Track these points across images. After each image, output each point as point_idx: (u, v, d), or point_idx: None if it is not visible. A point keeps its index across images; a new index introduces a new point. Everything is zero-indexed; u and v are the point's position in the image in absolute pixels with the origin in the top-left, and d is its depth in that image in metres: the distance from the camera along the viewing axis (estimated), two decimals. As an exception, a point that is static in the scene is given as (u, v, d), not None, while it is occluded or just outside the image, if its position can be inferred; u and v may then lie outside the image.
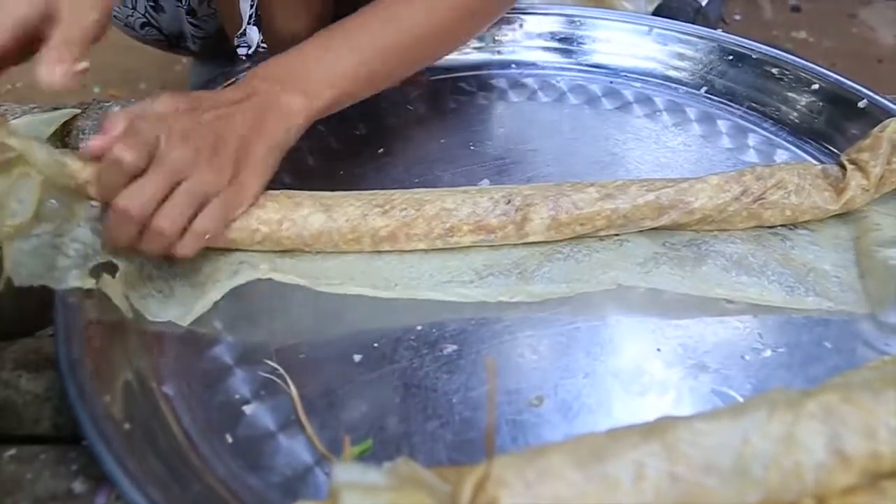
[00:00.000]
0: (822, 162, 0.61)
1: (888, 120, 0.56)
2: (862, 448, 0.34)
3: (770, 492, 0.33)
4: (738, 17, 1.39)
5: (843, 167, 0.55)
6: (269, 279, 0.50)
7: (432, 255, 0.53)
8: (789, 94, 0.67)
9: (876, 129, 0.56)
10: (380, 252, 0.53)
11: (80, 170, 0.48)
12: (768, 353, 0.48)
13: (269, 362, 0.46)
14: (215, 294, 0.49)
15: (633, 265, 0.52)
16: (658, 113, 0.67)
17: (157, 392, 0.43)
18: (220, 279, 0.50)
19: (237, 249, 0.51)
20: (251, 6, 0.68)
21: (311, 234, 0.51)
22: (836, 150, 0.62)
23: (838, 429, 0.34)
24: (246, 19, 0.69)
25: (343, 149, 0.63)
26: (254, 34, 0.70)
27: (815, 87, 0.65)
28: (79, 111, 0.76)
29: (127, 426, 0.40)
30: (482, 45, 0.72)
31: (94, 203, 0.48)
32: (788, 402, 0.35)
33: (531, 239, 0.53)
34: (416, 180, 0.59)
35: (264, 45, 0.71)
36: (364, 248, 0.52)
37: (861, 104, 0.63)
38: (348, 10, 0.58)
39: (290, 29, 0.73)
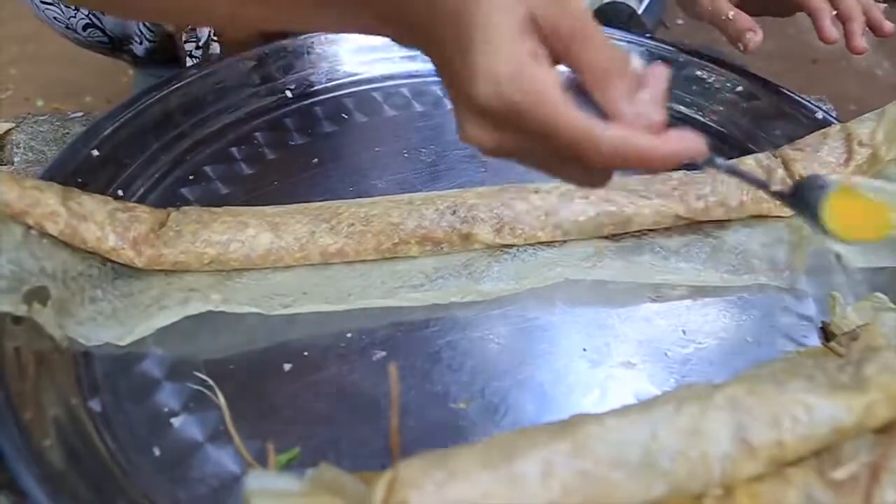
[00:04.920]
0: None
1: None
2: (767, 437, 0.36)
3: (677, 483, 0.34)
4: (680, 22, 1.42)
5: (787, 165, 0.57)
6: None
7: (382, 261, 0.53)
8: (715, 95, 0.69)
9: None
10: (329, 263, 0.53)
11: (16, 199, 0.47)
12: (691, 349, 0.49)
13: (199, 374, 0.46)
14: (161, 320, 0.48)
15: (577, 261, 0.54)
16: (591, 117, 0.69)
17: (82, 408, 0.43)
18: (168, 305, 0.49)
19: (186, 271, 0.51)
20: None
21: (260, 255, 0.51)
22: (758, 151, 0.64)
23: (744, 419, 0.36)
24: None
25: (278, 158, 0.63)
26: (203, 29, 0.70)
27: (740, 88, 0.67)
28: (12, 125, 0.75)
29: (47, 443, 0.39)
30: (417, 52, 0.72)
31: (32, 231, 0.48)
32: (697, 396, 0.37)
33: (476, 247, 0.54)
34: (351, 189, 0.59)
35: (215, 38, 0.71)
36: (313, 262, 0.53)
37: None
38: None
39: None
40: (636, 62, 0.34)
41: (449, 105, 0.69)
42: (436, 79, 0.71)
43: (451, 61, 0.33)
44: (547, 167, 0.36)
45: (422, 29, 0.35)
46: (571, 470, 0.33)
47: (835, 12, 0.59)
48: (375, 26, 0.38)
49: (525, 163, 0.37)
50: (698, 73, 0.70)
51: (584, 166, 0.34)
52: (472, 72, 0.32)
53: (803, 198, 0.41)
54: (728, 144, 0.66)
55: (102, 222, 0.49)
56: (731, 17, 0.62)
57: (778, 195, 0.42)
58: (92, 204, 0.50)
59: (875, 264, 0.54)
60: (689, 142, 0.33)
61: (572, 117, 0.31)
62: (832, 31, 0.57)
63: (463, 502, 0.31)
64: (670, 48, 0.71)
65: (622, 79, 0.32)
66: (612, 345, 0.49)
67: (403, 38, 0.38)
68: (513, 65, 0.31)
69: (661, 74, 0.34)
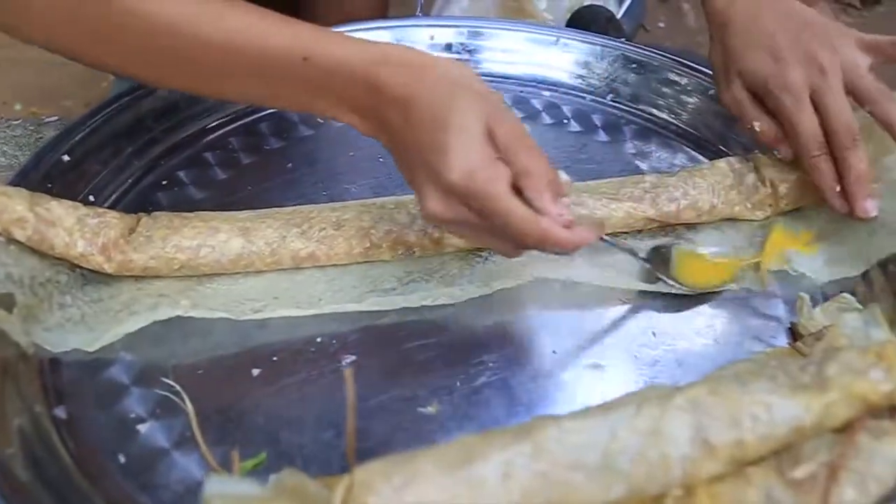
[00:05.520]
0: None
1: None
2: (726, 437, 0.36)
3: (636, 484, 0.34)
4: (661, 25, 1.42)
5: (757, 170, 0.57)
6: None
7: (354, 266, 0.53)
8: (689, 99, 0.69)
9: None
10: (301, 268, 0.53)
11: None
12: (660, 350, 0.50)
13: (166, 380, 0.45)
14: (130, 325, 0.48)
15: (549, 260, 0.54)
16: (566, 121, 0.69)
17: (47, 416, 0.43)
18: (137, 311, 0.49)
19: (156, 277, 0.51)
20: None
21: (231, 260, 0.51)
22: (730, 154, 0.64)
23: (704, 420, 0.36)
24: None
25: (253, 163, 0.63)
26: None
27: (712, 92, 0.68)
28: (-14, 132, 0.75)
29: (10, 451, 0.39)
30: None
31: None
32: (658, 397, 0.37)
33: (448, 250, 0.54)
34: (324, 194, 0.59)
35: None
36: (285, 266, 0.53)
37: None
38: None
39: None
40: (563, 176, 0.45)
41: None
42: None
43: (423, 151, 0.42)
44: (480, 238, 0.46)
45: (392, 127, 0.44)
46: (531, 472, 0.33)
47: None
48: (349, 118, 0.46)
49: (464, 233, 0.47)
50: (671, 76, 0.70)
51: (511, 241, 0.44)
52: (448, 160, 0.41)
53: (659, 258, 0.54)
54: (701, 147, 0.66)
55: (71, 228, 0.49)
56: (756, 129, 0.57)
57: (643, 260, 0.53)
58: (60, 210, 0.50)
59: (839, 276, 0.54)
60: (588, 234, 0.44)
61: (519, 207, 0.42)
62: (842, 207, 0.53)
63: (421, 506, 0.31)
64: (645, 52, 0.71)
65: (552, 185, 0.43)
66: (581, 347, 0.49)
67: (370, 130, 0.46)
68: (482, 160, 0.41)
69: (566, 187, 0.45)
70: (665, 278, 0.52)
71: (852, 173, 0.53)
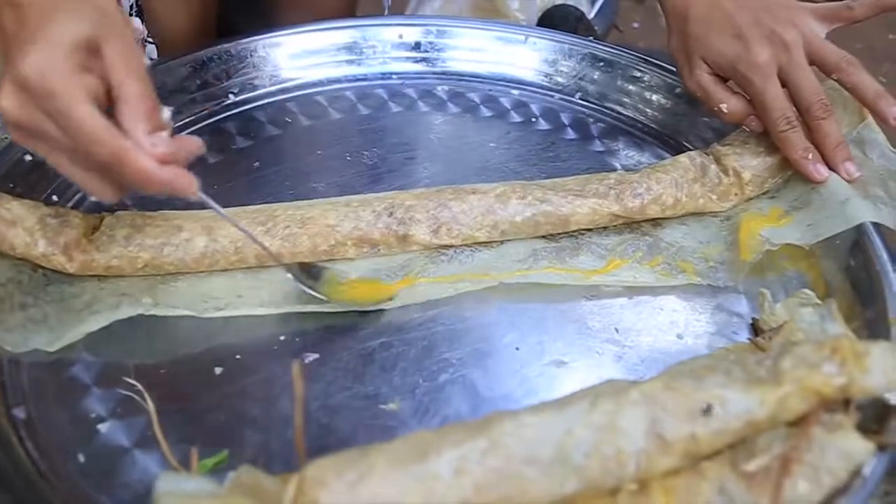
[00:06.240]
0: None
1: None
2: (681, 432, 0.36)
3: (591, 479, 0.34)
4: (636, 26, 1.43)
5: (718, 161, 0.58)
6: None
7: (320, 263, 0.53)
8: (655, 97, 0.70)
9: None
10: (265, 266, 0.53)
11: None
12: (623, 347, 0.50)
13: (128, 379, 0.45)
14: (92, 325, 0.48)
15: (513, 262, 0.54)
16: (534, 119, 0.69)
17: (5, 417, 0.43)
18: (99, 310, 0.49)
19: (120, 276, 0.51)
20: None
21: (194, 258, 0.51)
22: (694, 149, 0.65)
23: (658, 415, 0.36)
24: (126, 9, 0.68)
25: (219, 162, 0.63)
26: (137, 25, 0.69)
27: (678, 90, 0.68)
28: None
29: (-36, 452, 0.39)
30: (362, 56, 0.73)
31: None
32: (613, 392, 0.37)
33: (414, 248, 0.54)
34: (291, 193, 0.59)
35: (150, 39, 0.70)
36: (249, 265, 0.52)
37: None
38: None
39: (174, 22, 0.72)
40: (167, 113, 0.43)
41: (395, 107, 0.70)
42: (381, 82, 0.72)
43: (13, 45, 0.40)
44: (69, 164, 0.43)
45: (7, 35, 0.41)
46: (484, 467, 0.33)
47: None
48: None
49: (47, 151, 0.43)
50: (636, 74, 0.71)
51: (93, 166, 0.41)
52: (26, 54, 0.39)
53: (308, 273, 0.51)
54: (667, 144, 0.67)
55: (32, 228, 0.49)
56: (724, 110, 0.58)
57: (286, 268, 0.50)
58: (21, 210, 0.50)
59: (826, 235, 0.53)
60: (181, 177, 0.42)
61: (95, 117, 0.39)
62: (816, 173, 0.54)
63: (374, 501, 0.31)
64: (612, 50, 0.72)
65: (148, 114, 0.41)
66: (545, 344, 0.50)
67: None
68: (62, 64, 0.39)
69: (191, 142, 0.43)
70: (310, 290, 0.49)
71: (831, 140, 0.54)
